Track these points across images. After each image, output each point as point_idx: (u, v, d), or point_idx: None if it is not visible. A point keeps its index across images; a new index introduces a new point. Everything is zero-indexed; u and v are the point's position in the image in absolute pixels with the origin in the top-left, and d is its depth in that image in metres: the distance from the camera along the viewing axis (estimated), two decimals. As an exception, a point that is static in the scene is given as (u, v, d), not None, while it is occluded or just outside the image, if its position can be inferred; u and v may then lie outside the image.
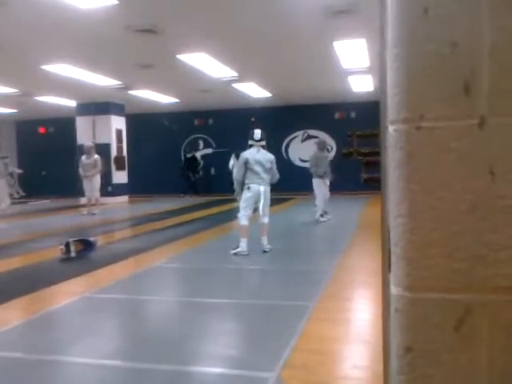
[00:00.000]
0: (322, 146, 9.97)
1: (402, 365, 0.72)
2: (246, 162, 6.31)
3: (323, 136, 17.42)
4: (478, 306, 0.68)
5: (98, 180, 12.15)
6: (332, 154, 17.28)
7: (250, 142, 6.46)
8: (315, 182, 9.53)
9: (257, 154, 6.35)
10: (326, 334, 3.49)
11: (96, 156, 12.07)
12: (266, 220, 6.48)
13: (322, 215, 9.59)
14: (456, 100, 0.67)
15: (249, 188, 6.33)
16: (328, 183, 9.61)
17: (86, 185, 12.08)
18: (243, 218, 6.37)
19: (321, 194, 9.48)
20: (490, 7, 0.67)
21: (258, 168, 6.28)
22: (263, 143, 6.47)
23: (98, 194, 12.20)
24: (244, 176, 6.33)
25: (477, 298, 0.68)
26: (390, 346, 0.74)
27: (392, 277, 0.72)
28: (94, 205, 12.09)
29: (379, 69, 0.84)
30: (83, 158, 12.09)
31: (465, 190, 0.67)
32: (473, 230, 0.68)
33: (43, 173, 18.67)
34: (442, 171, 0.68)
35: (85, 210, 12.10)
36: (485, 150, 0.67)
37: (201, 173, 18.46)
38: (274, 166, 6.47)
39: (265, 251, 6.42)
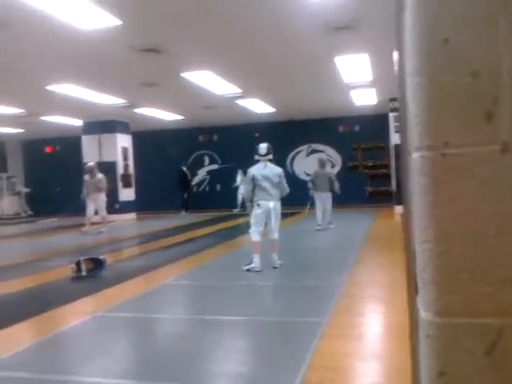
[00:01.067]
0: (322, 164, 10.82)
1: (434, 388, 0.73)
2: (253, 179, 6.25)
3: (328, 150, 17.49)
4: (508, 330, 0.69)
5: (103, 198, 12.16)
6: (337, 168, 17.35)
7: (257, 157, 6.42)
8: (315, 195, 10.59)
9: (264, 170, 6.29)
10: (340, 350, 3.48)
11: (100, 175, 12.07)
12: (275, 236, 6.44)
13: (319, 224, 10.55)
14: (478, 127, 0.69)
15: (258, 205, 6.27)
16: (329, 197, 10.50)
17: (89, 204, 12.04)
18: (254, 233, 6.33)
19: (320, 206, 10.51)
20: (507, 35, 0.69)
21: (265, 184, 6.23)
22: (270, 157, 6.38)
23: (104, 212, 12.22)
24: (253, 192, 6.30)
25: (506, 321, 0.69)
26: (420, 369, 0.75)
27: (420, 301, 0.73)
28: (100, 223, 12.12)
29: (399, 97, 0.86)
30: (86, 177, 12.09)
31: (491, 214, 0.69)
32: (500, 254, 0.69)
33: (57, 189, 18.38)
34: (468, 197, 0.69)
35: (85, 229, 11.85)
36: (508, 175, 0.69)
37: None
38: (283, 180, 6.37)
39: (275, 267, 6.39)
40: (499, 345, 0.68)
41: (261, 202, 6.24)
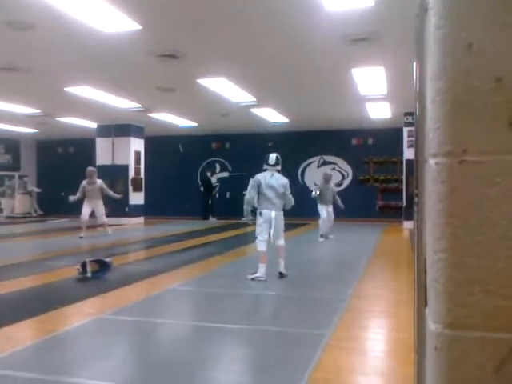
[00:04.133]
0: (327, 179, 11.40)
1: (441, 404, 0.69)
2: (259, 185, 6.27)
3: (339, 162, 17.45)
4: (522, 347, 0.66)
5: (101, 204, 11.90)
6: (348, 180, 17.31)
7: (265, 167, 6.43)
8: (319, 207, 11.02)
9: (270, 178, 6.28)
10: (343, 364, 3.42)
11: (99, 181, 11.79)
12: (281, 242, 6.41)
13: (321, 235, 10.81)
14: (500, 134, 0.67)
15: (261, 214, 6.27)
16: (331, 209, 11.12)
17: (85, 208, 11.64)
18: (260, 243, 6.32)
19: (323, 217, 10.90)
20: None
21: (270, 193, 6.22)
22: (278, 168, 6.41)
23: (104, 217, 11.93)
24: (255, 199, 6.26)
25: (520, 337, 0.66)
26: (426, 383, 0.72)
27: (430, 313, 0.71)
28: (102, 226, 12.04)
29: (417, 103, 0.84)
30: (85, 182, 11.66)
31: (509, 226, 0.66)
32: (517, 268, 0.66)
33: (62, 194, 18.19)
34: (486, 206, 0.67)
35: (83, 234, 11.48)
36: (529, 185, 0.66)
37: (217, 196, 18.52)
38: (288, 191, 6.34)
39: (281, 273, 6.35)
40: (508, 362, 0.65)
41: (263, 211, 6.24)
